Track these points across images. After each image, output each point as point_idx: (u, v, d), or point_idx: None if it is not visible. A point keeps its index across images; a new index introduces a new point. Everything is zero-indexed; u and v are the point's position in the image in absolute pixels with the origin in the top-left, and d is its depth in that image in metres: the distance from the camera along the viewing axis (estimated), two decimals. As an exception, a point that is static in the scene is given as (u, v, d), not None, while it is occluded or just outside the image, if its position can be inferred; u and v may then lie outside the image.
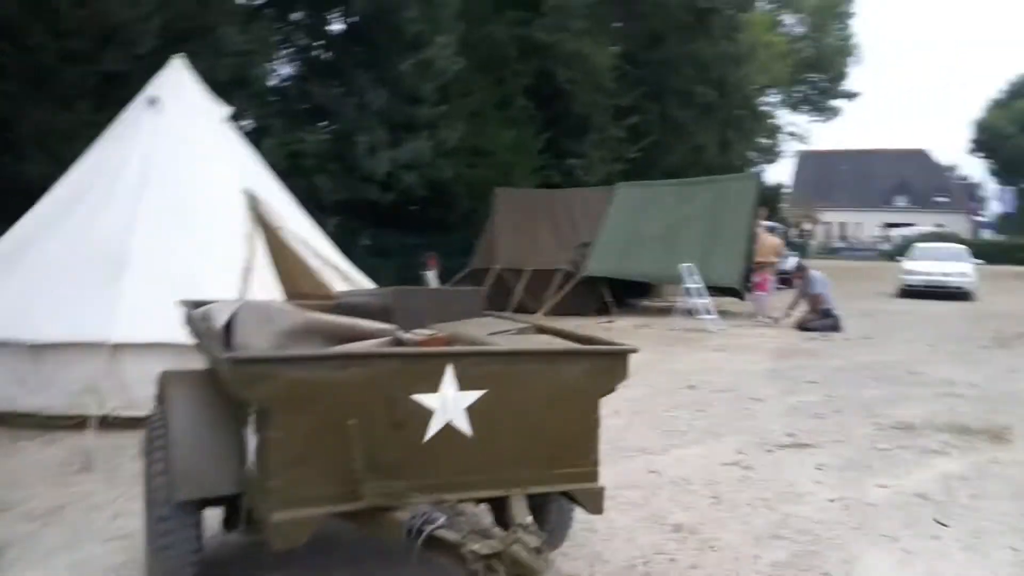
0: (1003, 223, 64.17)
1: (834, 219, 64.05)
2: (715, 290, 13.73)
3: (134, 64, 10.59)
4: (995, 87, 75.99)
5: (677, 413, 6.88)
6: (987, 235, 59.93)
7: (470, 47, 17.56)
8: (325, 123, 16.57)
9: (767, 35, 32.15)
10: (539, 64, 19.59)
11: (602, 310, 14.67)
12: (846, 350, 10.93)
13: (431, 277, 15.60)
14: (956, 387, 8.19)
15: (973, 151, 65.62)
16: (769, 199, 31.45)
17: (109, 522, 4.22)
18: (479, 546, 2.51)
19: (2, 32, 10.69)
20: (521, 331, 3.84)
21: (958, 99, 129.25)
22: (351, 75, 15.92)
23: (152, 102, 7.41)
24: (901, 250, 31.92)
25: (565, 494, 3.16)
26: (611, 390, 3.11)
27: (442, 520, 2.64)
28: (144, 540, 3.37)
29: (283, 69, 17.72)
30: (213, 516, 3.34)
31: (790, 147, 43.16)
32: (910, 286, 20.69)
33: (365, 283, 8.15)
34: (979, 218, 67.78)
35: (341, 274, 7.78)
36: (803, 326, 13.01)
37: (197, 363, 3.62)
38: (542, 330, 3.92)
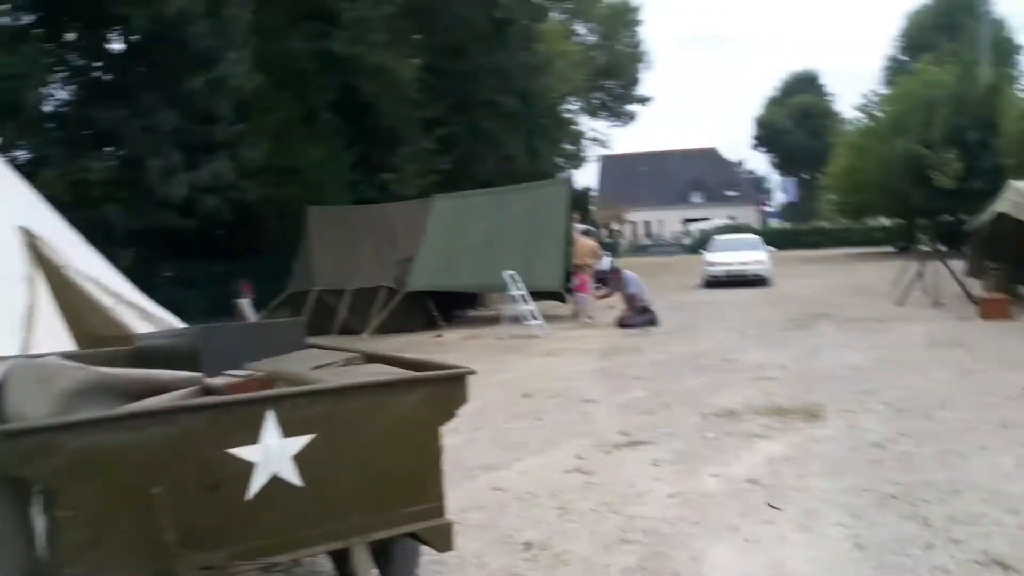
0: (788, 212, 70.59)
1: (639, 218, 67.67)
2: (538, 295, 13.93)
3: None
4: (772, 85, 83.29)
5: (515, 424, 6.80)
6: (775, 224, 65.57)
7: (266, 63, 16.83)
8: (111, 149, 15.26)
9: (562, 44, 33.34)
10: (342, 78, 19.14)
11: (430, 324, 14.49)
12: (665, 343, 11.39)
13: (245, 305, 14.74)
14: (767, 370, 8.70)
15: (756, 146, 71.85)
16: (580, 203, 32.61)
17: None
18: None
19: None
20: (348, 362, 3.55)
21: (740, 98, 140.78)
22: (136, 96, 14.77)
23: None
24: (702, 243, 34.18)
25: (411, 534, 2.93)
26: (451, 416, 2.92)
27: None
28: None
29: (59, 93, 16.18)
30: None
31: (593, 152, 45.07)
32: (713, 276, 22.09)
33: (170, 320, 7.45)
34: (767, 208, 74.08)
35: (140, 312, 7.05)
36: (623, 323, 13.47)
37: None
38: (372, 358, 3.64)
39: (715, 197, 69.51)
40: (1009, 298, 12.60)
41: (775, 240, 32.21)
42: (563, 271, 14.43)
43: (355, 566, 2.62)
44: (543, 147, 26.52)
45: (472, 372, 2.93)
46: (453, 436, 6.08)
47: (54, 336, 5.79)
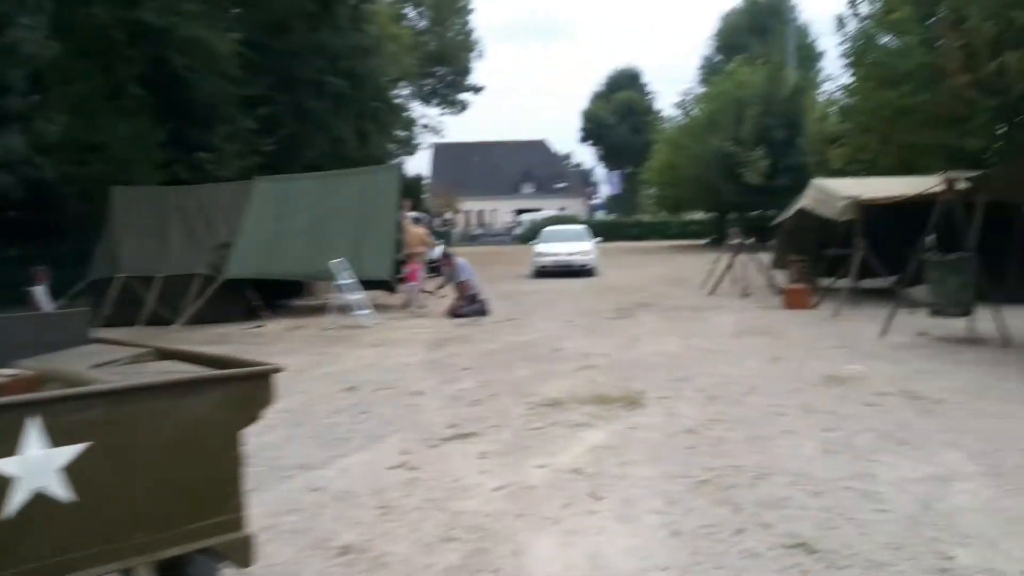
0: (613, 204, 73.52)
1: (472, 207, 68.12)
2: (367, 284, 13.55)
3: None
4: (597, 81, 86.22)
5: (338, 419, 6.50)
6: (601, 215, 68.14)
7: (67, 30, 15.25)
8: None
9: (392, 27, 32.75)
10: (153, 50, 17.69)
11: (250, 315, 13.73)
12: (495, 333, 11.41)
13: (40, 293, 13.31)
14: (592, 359, 8.88)
15: (583, 140, 74.13)
16: (412, 190, 32.25)
17: None
18: None
19: None
20: (137, 358, 3.16)
21: (568, 91, 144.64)
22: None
23: None
24: (532, 234, 34.82)
25: (207, 550, 2.64)
26: (254, 419, 2.65)
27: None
28: None
29: None
30: None
31: (426, 139, 44.69)
32: (543, 267, 22.52)
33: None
34: (593, 200, 76.81)
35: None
36: (453, 313, 13.38)
37: None
38: (165, 354, 3.27)
39: (545, 188, 71.25)
40: (810, 288, 13.63)
41: (601, 232, 33.37)
42: (393, 260, 14.11)
43: (139, 590, 2.30)
44: (373, 131, 25.88)
45: (278, 369, 2.66)
46: (269, 434, 5.76)
47: None
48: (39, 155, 14.49)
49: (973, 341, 9.17)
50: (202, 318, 13.18)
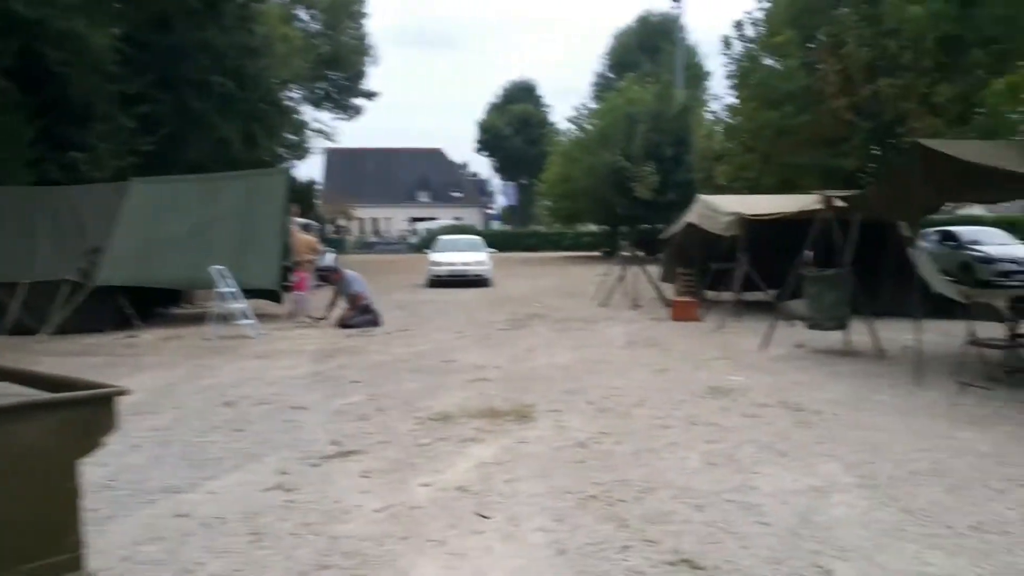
0: (508, 215, 73.99)
1: (366, 215, 67.15)
2: (251, 292, 12.99)
3: None
4: (493, 92, 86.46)
5: (212, 437, 6.10)
6: (496, 226, 68.43)
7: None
8: None
9: (283, 28, 31.84)
10: (22, 42, 16.51)
11: (123, 324, 12.93)
12: (385, 344, 11.13)
13: None
14: (484, 371, 8.76)
15: (479, 150, 74.32)
16: (302, 196, 31.41)
17: None
18: None
19: None
20: (-37, 378, 2.81)
21: (465, 100, 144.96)
22: None
23: None
24: (427, 243, 34.56)
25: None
26: (94, 447, 2.37)
27: None
28: None
29: None
30: None
31: (318, 144, 43.50)
32: (437, 276, 22.31)
33: None
34: (489, 211, 77.12)
35: None
36: (344, 324, 13.01)
37: None
38: (-3, 373, 2.93)
39: (441, 197, 71.10)
40: (697, 301, 13.99)
41: (496, 242, 33.50)
42: (279, 267, 13.58)
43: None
44: (262, 134, 24.93)
45: (122, 392, 2.40)
46: (133, 455, 5.35)
47: None
48: None
49: (849, 353, 9.57)
50: (70, 327, 12.31)
